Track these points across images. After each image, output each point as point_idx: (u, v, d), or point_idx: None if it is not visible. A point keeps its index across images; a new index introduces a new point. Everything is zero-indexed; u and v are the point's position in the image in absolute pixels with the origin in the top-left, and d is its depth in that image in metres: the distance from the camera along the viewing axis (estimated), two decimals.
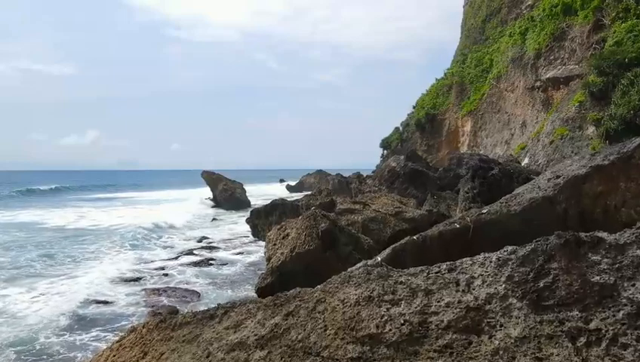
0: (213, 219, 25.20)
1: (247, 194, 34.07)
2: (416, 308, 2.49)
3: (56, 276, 11.47)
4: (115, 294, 9.81)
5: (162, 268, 12.41)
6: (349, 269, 5.13)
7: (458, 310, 2.36)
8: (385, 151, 45.36)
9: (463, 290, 2.45)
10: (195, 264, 12.83)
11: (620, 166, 4.26)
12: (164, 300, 9.40)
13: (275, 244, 8.78)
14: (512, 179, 9.59)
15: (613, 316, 2.04)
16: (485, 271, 2.48)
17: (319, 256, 7.71)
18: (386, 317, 2.49)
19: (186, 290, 9.95)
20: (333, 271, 7.95)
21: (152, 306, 9.05)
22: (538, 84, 21.91)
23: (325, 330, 2.64)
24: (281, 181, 69.80)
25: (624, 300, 2.06)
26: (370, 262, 4.66)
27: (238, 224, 21.18)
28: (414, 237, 4.61)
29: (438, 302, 2.46)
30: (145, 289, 10.14)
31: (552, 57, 21.23)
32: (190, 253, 14.72)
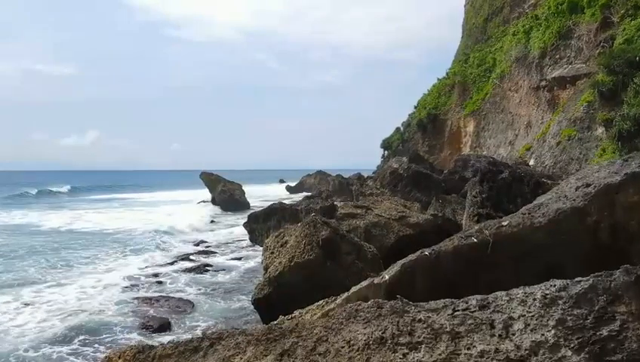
0: (212, 221, 24.73)
1: (246, 195, 33.60)
2: (440, 355, 2.00)
3: (45, 283, 10.98)
4: (104, 303, 9.33)
5: (156, 275, 11.93)
6: (353, 290, 4.65)
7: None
8: (386, 152, 44.86)
9: (500, 335, 1.96)
10: (191, 270, 12.35)
11: None
12: (156, 310, 8.90)
13: (272, 253, 8.29)
14: (523, 182, 9.08)
15: None
16: (528, 311, 1.99)
17: (320, 266, 7.23)
18: None
19: (180, 299, 9.46)
20: (334, 282, 7.46)
21: (143, 317, 8.57)
22: (543, 83, 21.41)
23: None
24: (281, 181, 69.32)
25: None
26: (376, 280, 4.17)
27: (236, 226, 20.69)
28: (426, 253, 4.12)
29: (469, 349, 1.97)
30: (137, 298, 9.65)
31: (557, 56, 20.73)
32: (186, 258, 14.24)
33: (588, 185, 3.99)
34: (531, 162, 19.21)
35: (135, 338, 7.34)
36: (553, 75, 20.51)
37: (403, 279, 4.05)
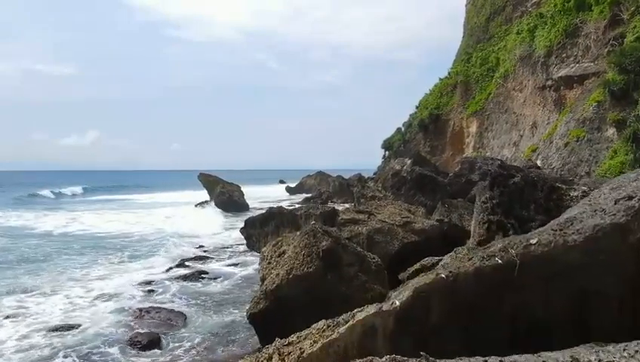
0: (209, 223, 24.16)
1: (245, 196, 33.01)
2: None
3: (31, 293, 10.42)
4: (92, 315, 8.79)
5: (149, 283, 11.39)
6: (358, 317, 4.09)
7: None
8: (386, 152, 44.33)
9: None
10: (185, 278, 11.81)
11: None
12: (146, 323, 8.36)
13: (269, 263, 7.76)
14: (536, 187, 8.53)
15: None
16: None
17: (320, 279, 6.69)
18: None
19: (172, 311, 8.90)
20: (335, 295, 6.91)
21: (133, 331, 8.03)
22: (549, 83, 20.86)
23: None
24: (281, 182, 68.81)
25: None
26: (385, 306, 3.63)
27: (234, 229, 20.15)
28: (442, 275, 3.58)
29: None
30: (127, 309, 9.11)
31: (564, 55, 20.18)
32: (181, 263, 13.69)
33: (630, 198, 3.46)
34: (538, 163, 18.66)
35: (120, 359, 6.80)
36: (560, 74, 19.97)
37: (416, 305, 3.52)
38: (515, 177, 8.77)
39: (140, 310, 9.01)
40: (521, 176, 8.80)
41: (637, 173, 4.07)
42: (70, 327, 8.11)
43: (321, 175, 49.90)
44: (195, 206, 31.88)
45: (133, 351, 7.11)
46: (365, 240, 10.05)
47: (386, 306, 3.60)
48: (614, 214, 3.45)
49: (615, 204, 3.54)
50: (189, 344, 7.46)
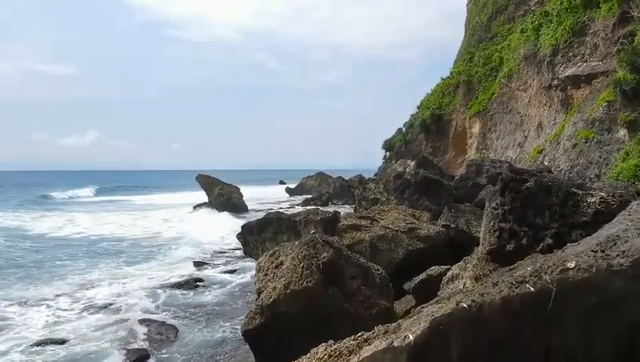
0: (207, 226, 23.62)
1: (244, 197, 32.46)
2: None
3: (16, 302, 9.88)
4: (77, 328, 8.27)
5: (142, 289, 10.87)
6: (364, 354, 3.57)
7: None
8: (387, 153, 43.81)
9: None
10: (180, 286, 11.29)
11: None
12: (136, 338, 7.84)
13: (266, 274, 7.24)
14: (551, 193, 7.99)
15: None
16: None
17: (320, 294, 6.17)
18: None
19: (163, 324, 8.39)
20: (337, 312, 6.38)
21: (120, 347, 7.51)
22: (556, 82, 20.34)
23: None
24: (281, 182, 68.29)
25: None
26: (396, 342, 3.10)
27: (232, 232, 19.63)
28: (464, 305, 3.05)
29: None
30: (116, 322, 8.59)
31: (571, 54, 19.65)
32: (176, 270, 13.18)
33: None
34: (538, 163, 18.14)
35: None
36: (566, 74, 19.45)
37: (433, 340, 2.99)
38: (529, 182, 8.22)
39: (134, 322, 8.49)
40: (534, 180, 8.25)
41: None
42: (54, 342, 7.59)
43: (321, 176, 49.37)
44: (194, 208, 31.33)
45: None
46: (368, 247, 9.54)
47: (397, 341, 3.07)
48: None
49: None
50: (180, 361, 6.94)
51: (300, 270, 6.26)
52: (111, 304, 9.69)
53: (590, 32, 18.68)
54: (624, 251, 3.03)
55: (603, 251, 3.13)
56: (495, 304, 3.04)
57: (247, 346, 6.86)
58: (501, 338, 3.03)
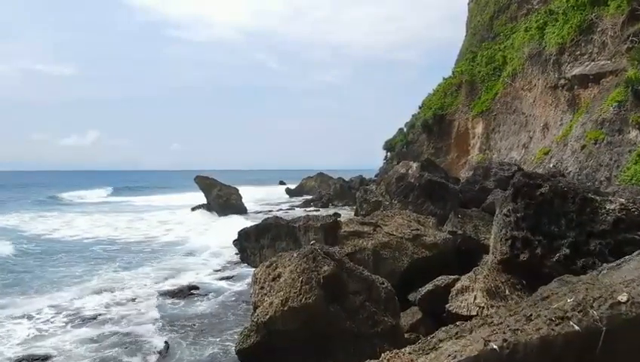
0: (205, 229, 23.11)
1: (244, 199, 31.92)
2: None
3: None
4: (61, 343, 7.74)
5: (132, 300, 10.37)
6: None
7: None
8: (388, 154, 43.28)
9: None
10: (174, 294, 10.78)
11: None
12: (122, 355, 7.33)
13: (262, 288, 6.72)
14: (567, 199, 7.49)
15: None
16: None
17: (321, 311, 5.66)
18: None
19: (153, 338, 7.87)
20: (338, 330, 5.85)
21: None
22: (562, 82, 19.82)
23: None
24: (281, 183, 67.73)
25: None
26: None
27: (230, 235, 19.13)
28: (494, 346, 2.55)
29: None
30: (102, 336, 8.08)
31: (577, 52, 19.15)
32: (172, 276, 12.68)
33: None
34: (551, 167, 17.63)
35: None
36: (573, 73, 18.94)
37: None
38: (543, 187, 7.70)
39: (120, 336, 7.98)
40: (549, 185, 7.73)
41: None
42: (34, 360, 7.08)
43: (321, 176, 48.87)
44: (192, 209, 30.81)
45: None
46: (371, 256, 9.04)
47: None
48: None
49: None
50: None
51: (299, 285, 5.76)
52: (99, 315, 9.16)
53: (598, 30, 18.18)
54: None
55: None
56: (532, 345, 2.53)
57: None
58: None
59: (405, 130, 41.01)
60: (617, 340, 2.47)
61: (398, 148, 39.40)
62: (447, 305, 7.52)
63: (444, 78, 38.27)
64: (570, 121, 18.30)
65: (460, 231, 9.87)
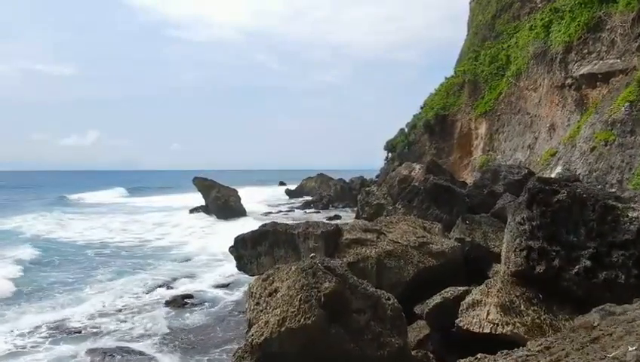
0: (203, 232, 22.61)
1: (243, 200, 31.35)
2: None
3: None
4: (43, 360, 7.21)
5: (123, 309, 9.85)
6: None
7: None
8: (389, 154, 42.75)
9: None
10: (167, 303, 10.28)
11: None
12: None
13: (258, 303, 6.19)
14: (586, 206, 6.93)
15: None
16: None
17: (321, 332, 5.14)
18: None
19: (141, 355, 7.36)
20: (341, 353, 5.28)
21: None
22: (569, 81, 19.29)
23: None
24: (281, 184, 67.18)
25: None
26: None
27: (228, 240, 18.59)
28: None
29: None
30: (86, 351, 7.55)
31: (585, 51, 18.61)
32: (165, 284, 12.17)
33: None
34: (558, 169, 17.11)
35: None
36: (581, 72, 18.41)
37: None
38: (560, 193, 7.16)
39: (104, 353, 7.46)
40: (566, 191, 7.18)
41: None
42: None
43: (321, 177, 48.36)
44: (190, 211, 30.31)
45: None
46: (374, 265, 8.52)
47: None
48: None
49: None
50: None
51: (297, 303, 5.23)
52: (86, 327, 8.64)
53: (607, 27, 17.65)
54: None
55: None
56: None
57: None
58: None
59: (406, 130, 40.50)
60: None
61: (399, 148, 38.88)
62: (457, 320, 6.97)
63: (446, 78, 37.78)
64: (578, 121, 17.77)
65: (468, 239, 9.34)
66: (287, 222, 24.19)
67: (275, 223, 9.94)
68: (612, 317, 2.85)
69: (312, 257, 5.73)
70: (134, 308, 9.95)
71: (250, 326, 6.08)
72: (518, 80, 25.13)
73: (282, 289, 5.79)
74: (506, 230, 8.07)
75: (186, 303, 10.34)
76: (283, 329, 5.15)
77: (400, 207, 11.58)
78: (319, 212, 33.01)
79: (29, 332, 8.30)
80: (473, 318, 6.86)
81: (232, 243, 10.43)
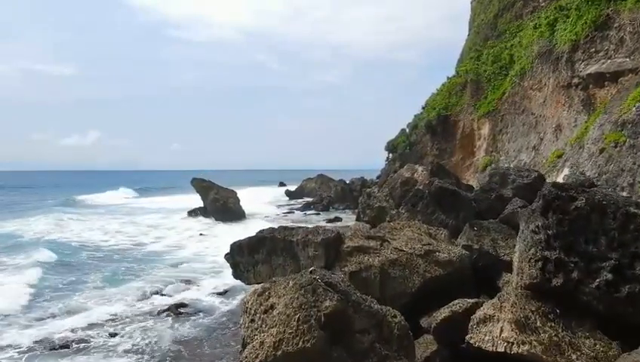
0: (200, 234, 22.14)
1: (242, 201, 30.86)
2: None
3: None
4: None
5: (114, 320, 9.37)
6: None
7: None
8: (390, 155, 42.28)
9: None
10: (159, 314, 9.80)
11: None
12: None
13: (253, 320, 5.71)
14: (606, 214, 6.45)
15: None
16: None
17: (321, 356, 4.67)
18: None
19: None
20: None
21: None
22: (576, 81, 18.82)
23: None
24: (281, 184, 66.70)
25: None
26: None
27: (226, 244, 18.10)
28: None
29: None
30: None
31: (592, 50, 18.13)
32: (159, 291, 11.70)
33: None
34: (566, 171, 16.62)
35: None
36: (588, 71, 17.93)
37: None
38: (578, 200, 6.67)
39: None
40: (585, 198, 6.69)
41: None
42: None
43: (322, 178, 47.90)
44: (188, 213, 29.84)
45: None
46: (378, 274, 8.03)
47: None
48: None
49: None
50: None
51: (295, 323, 4.76)
52: (71, 342, 8.14)
53: (615, 25, 17.17)
54: None
55: None
56: None
57: None
58: None
59: (407, 130, 40.03)
60: None
61: (400, 149, 38.42)
62: (467, 336, 6.48)
63: (448, 78, 37.33)
64: (586, 122, 17.29)
65: (476, 246, 8.86)
66: (287, 224, 23.75)
67: (273, 229, 9.47)
68: None
69: (311, 271, 5.25)
70: (126, 318, 9.48)
71: (244, 345, 5.60)
72: (522, 79, 24.66)
73: (279, 306, 5.31)
74: (518, 238, 7.58)
75: (180, 313, 9.87)
76: (279, 352, 4.67)
77: (404, 211, 11.10)
78: (319, 213, 32.57)
79: (6, 348, 7.79)
80: (485, 335, 6.37)
81: (228, 250, 9.95)
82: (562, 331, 6.12)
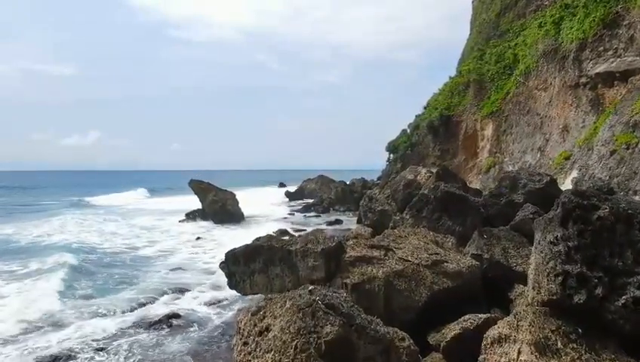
0: (198, 238, 21.59)
1: (241, 203, 30.32)
2: None
3: None
4: None
5: (102, 332, 8.85)
6: None
7: None
8: (391, 155, 41.73)
9: None
10: (150, 326, 9.26)
11: None
12: None
13: (246, 343, 5.19)
14: (632, 225, 5.93)
15: None
16: None
17: None
18: None
19: None
20: None
21: None
22: (583, 80, 18.29)
23: None
24: (281, 185, 66.11)
25: None
26: None
27: (223, 249, 17.57)
28: None
29: None
30: None
31: (601, 48, 17.60)
32: (152, 301, 11.18)
33: None
34: (574, 174, 16.11)
35: None
36: (597, 71, 17.40)
37: None
38: (601, 209, 6.12)
39: None
40: (608, 207, 6.14)
41: None
42: None
43: (322, 179, 47.36)
44: (186, 215, 29.31)
45: None
46: (382, 286, 7.50)
47: None
48: None
49: None
50: None
51: (292, 351, 4.23)
52: (54, 358, 7.62)
53: (624, 23, 16.64)
54: None
55: None
56: None
57: None
58: None
59: (409, 131, 39.48)
60: None
61: (401, 150, 37.88)
62: (480, 357, 5.95)
63: (450, 77, 36.79)
64: (594, 122, 16.77)
65: (486, 255, 8.33)
66: (287, 227, 23.16)
67: (270, 237, 8.94)
68: None
69: (310, 291, 4.72)
70: (116, 331, 8.92)
71: None
72: (527, 79, 24.12)
73: (274, 328, 4.78)
74: (533, 249, 7.03)
75: (172, 324, 9.33)
76: None
77: (408, 216, 10.57)
78: (320, 216, 32.01)
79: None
80: (501, 357, 5.84)
81: (223, 259, 9.43)
82: (585, 353, 5.59)
